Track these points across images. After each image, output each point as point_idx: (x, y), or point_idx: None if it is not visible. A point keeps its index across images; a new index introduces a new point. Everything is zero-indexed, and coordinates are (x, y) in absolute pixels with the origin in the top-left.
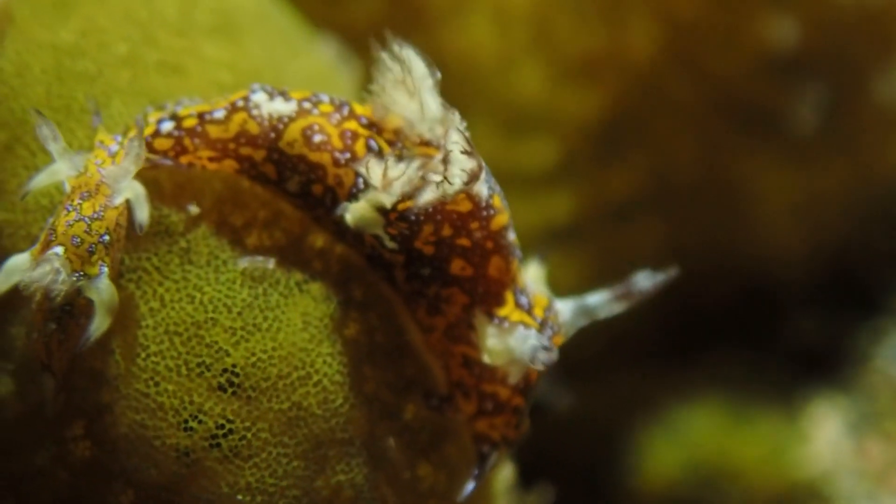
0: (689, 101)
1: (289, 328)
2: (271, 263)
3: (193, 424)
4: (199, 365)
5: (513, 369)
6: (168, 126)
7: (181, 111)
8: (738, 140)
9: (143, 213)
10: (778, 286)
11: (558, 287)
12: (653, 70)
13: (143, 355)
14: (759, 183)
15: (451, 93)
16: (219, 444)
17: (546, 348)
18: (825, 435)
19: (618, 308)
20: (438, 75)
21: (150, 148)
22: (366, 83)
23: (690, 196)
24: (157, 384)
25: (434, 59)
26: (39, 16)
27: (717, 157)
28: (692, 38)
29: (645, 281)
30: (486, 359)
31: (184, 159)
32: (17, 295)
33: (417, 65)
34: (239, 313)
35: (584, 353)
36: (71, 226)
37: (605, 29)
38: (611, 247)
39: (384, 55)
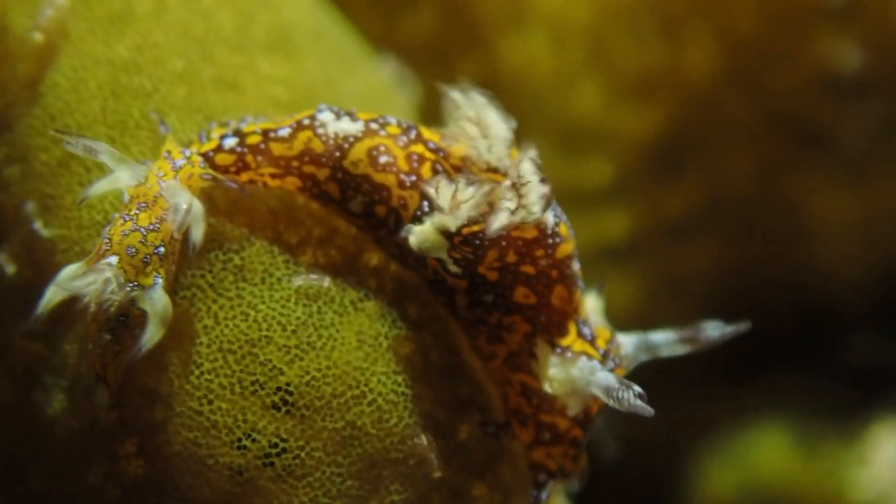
0: (745, 120)
1: (343, 346)
2: (326, 281)
3: (247, 443)
4: (252, 383)
5: (572, 400)
6: (231, 142)
7: (245, 128)
8: (794, 159)
9: (198, 232)
10: (835, 306)
11: (612, 305)
12: (710, 88)
13: (196, 373)
14: (816, 202)
15: (506, 108)
16: (272, 463)
17: (624, 385)
18: (884, 457)
19: (681, 350)
20: (514, 123)
21: (212, 163)
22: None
23: (746, 215)
24: (210, 402)
25: (489, 75)
26: (96, 31)
27: (773, 175)
28: (750, 56)
29: (714, 330)
30: (547, 388)
31: (245, 176)
32: (70, 310)
33: (490, 113)
34: (293, 331)
35: (640, 373)
36: (126, 236)
37: (663, 46)
38: (666, 265)
39: (448, 90)
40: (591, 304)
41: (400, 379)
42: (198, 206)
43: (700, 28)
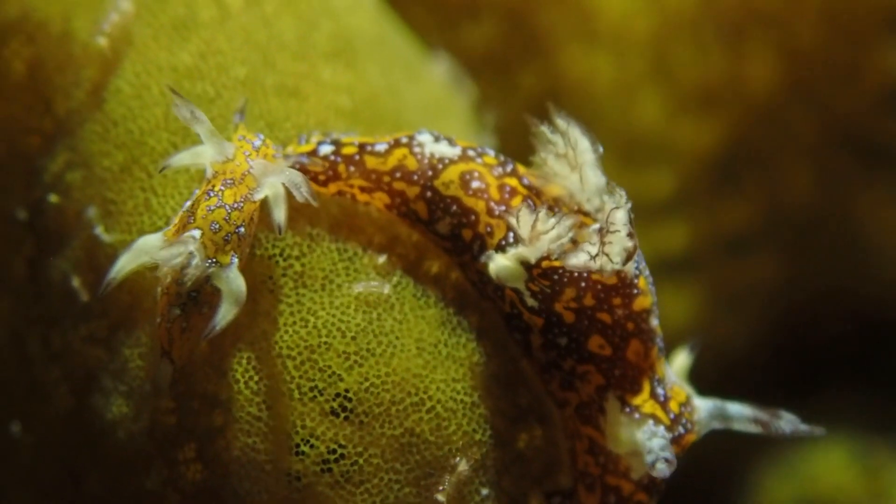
0: (806, 133)
1: (403, 354)
2: (386, 288)
3: (305, 449)
4: (311, 389)
5: (635, 462)
6: (327, 149)
7: (343, 139)
8: (856, 173)
9: (280, 213)
10: (895, 322)
11: (669, 318)
12: (771, 101)
13: (256, 378)
14: (877, 217)
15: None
16: (330, 469)
17: (668, 460)
18: None
19: (752, 429)
20: (601, 149)
21: (304, 166)
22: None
23: (806, 229)
24: (269, 408)
25: (551, 85)
26: (160, 38)
27: (833, 189)
28: (812, 69)
29: (788, 424)
30: (610, 445)
31: (333, 186)
32: (131, 315)
33: (581, 140)
34: (353, 338)
35: (696, 385)
36: (212, 211)
37: (724, 58)
38: (724, 278)
39: (546, 128)
40: (678, 364)
41: (459, 387)
42: (280, 188)
43: (762, 40)
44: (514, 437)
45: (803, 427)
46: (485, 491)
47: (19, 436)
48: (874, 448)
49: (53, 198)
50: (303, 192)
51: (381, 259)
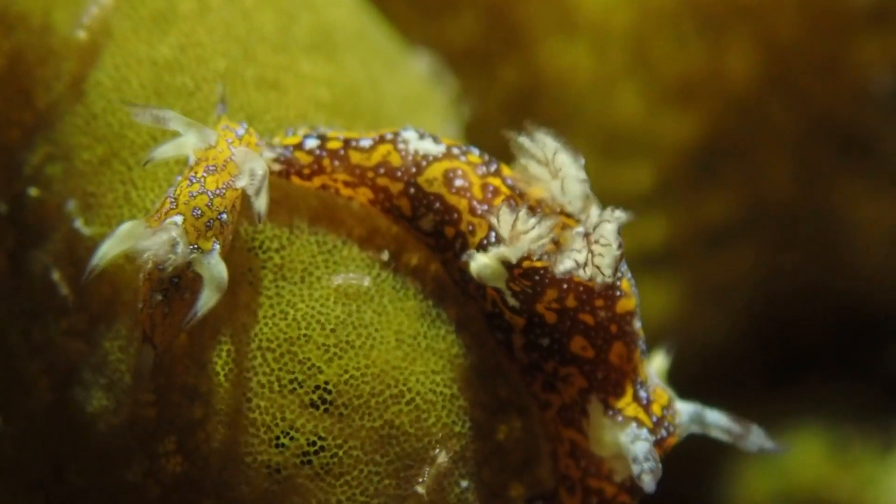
0: (786, 126)
1: (382, 346)
2: (366, 281)
3: (285, 441)
4: (291, 381)
5: (618, 465)
6: (312, 143)
7: (329, 133)
8: (835, 166)
9: (261, 202)
10: (873, 314)
11: (650, 311)
12: (750, 94)
13: (235, 371)
14: (856, 210)
15: (547, 113)
16: (310, 462)
17: (653, 471)
18: None
19: (725, 439)
20: (583, 161)
21: (288, 160)
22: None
23: (785, 222)
24: (249, 400)
25: (530, 79)
26: (139, 31)
27: (813, 183)
28: (791, 63)
29: (757, 440)
30: (593, 447)
31: (317, 180)
32: (111, 308)
33: (560, 154)
34: (332, 330)
35: (677, 377)
36: (194, 197)
37: (704, 51)
38: (704, 272)
39: (525, 139)
40: (656, 365)
41: (438, 379)
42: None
43: (741, 34)
44: (493, 428)
45: (769, 444)
46: (464, 483)
47: (0, 429)
48: (853, 440)
49: (34, 191)
50: (262, 201)
51: (361, 251)
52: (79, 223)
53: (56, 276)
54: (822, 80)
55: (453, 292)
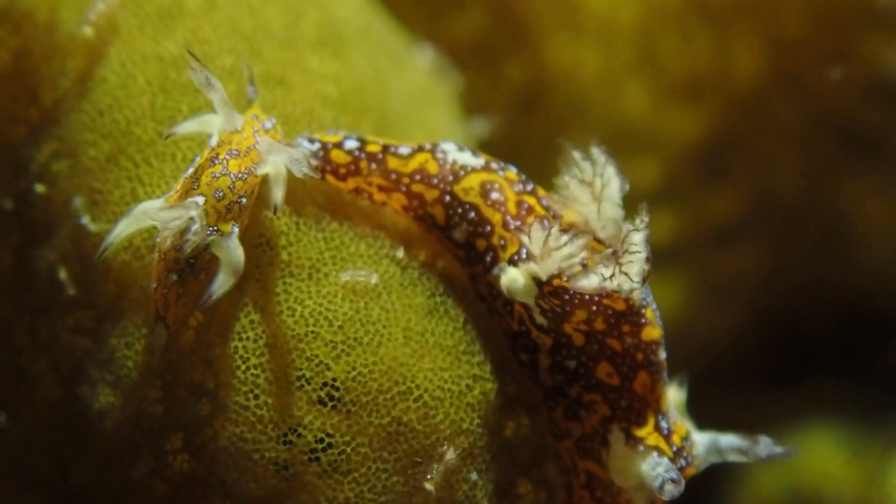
0: (792, 123)
1: (390, 343)
2: (374, 278)
3: (293, 438)
4: (299, 378)
5: (638, 495)
6: (352, 144)
7: (369, 138)
8: (841, 162)
9: (279, 193)
10: (881, 310)
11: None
12: (757, 90)
13: (243, 368)
14: (863, 206)
15: (553, 110)
16: (318, 459)
17: (675, 481)
18: None
19: (740, 459)
20: (627, 186)
21: (327, 156)
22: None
23: (792, 218)
24: (256, 397)
25: (537, 75)
26: (145, 27)
27: (819, 179)
28: (798, 59)
29: (766, 448)
30: (614, 478)
31: (352, 182)
32: (118, 305)
33: (614, 178)
34: (340, 327)
35: (683, 373)
36: (217, 178)
37: (710, 47)
38: (711, 268)
39: (578, 153)
40: (671, 398)
41: (446, 375)
42: (282, 168)
43: (747, 30)
44: (501, 425)
45: (779, 450)
46: (473, 479)
47: (6, 426)
48: (860, 436)
49: (40, 188)
50: (302, 169)
51: (368, 248)
52: (85, 220)
53: (62, 272)
54: (829, 75)
55: (461, 289)
